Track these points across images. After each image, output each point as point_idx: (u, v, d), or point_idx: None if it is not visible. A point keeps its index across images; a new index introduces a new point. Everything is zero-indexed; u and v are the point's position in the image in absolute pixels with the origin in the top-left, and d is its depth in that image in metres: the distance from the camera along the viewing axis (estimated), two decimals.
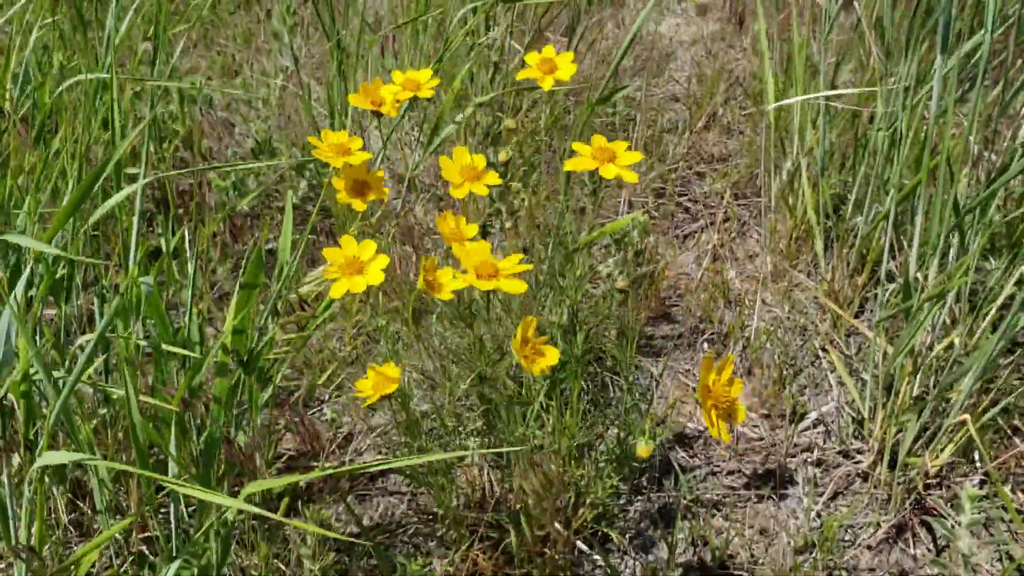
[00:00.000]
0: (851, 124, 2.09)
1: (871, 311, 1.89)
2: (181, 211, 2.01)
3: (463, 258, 1.17)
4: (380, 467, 1.09)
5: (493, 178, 1.29)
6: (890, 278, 1.85)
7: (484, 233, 1.34)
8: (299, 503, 1.46)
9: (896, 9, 1.87)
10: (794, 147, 2.02)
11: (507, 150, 1.37)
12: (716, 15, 2.96)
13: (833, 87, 1.97)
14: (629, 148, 1.25)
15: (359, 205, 1.25)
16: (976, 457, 1.61)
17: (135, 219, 1.47)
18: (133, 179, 1.83)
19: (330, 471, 1.05)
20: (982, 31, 1.71)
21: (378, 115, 1.37)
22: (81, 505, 1.46)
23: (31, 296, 1.44)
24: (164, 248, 1.50)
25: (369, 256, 1.17)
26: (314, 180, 2.11)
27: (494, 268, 1.16)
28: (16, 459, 1.19)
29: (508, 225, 1.36)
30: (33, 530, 1.15)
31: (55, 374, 1.15)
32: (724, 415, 1.17)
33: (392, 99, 1.36)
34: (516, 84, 2.19)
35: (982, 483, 1.60)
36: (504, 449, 1.35)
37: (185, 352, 1.17)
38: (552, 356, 1.16)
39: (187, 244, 1.72)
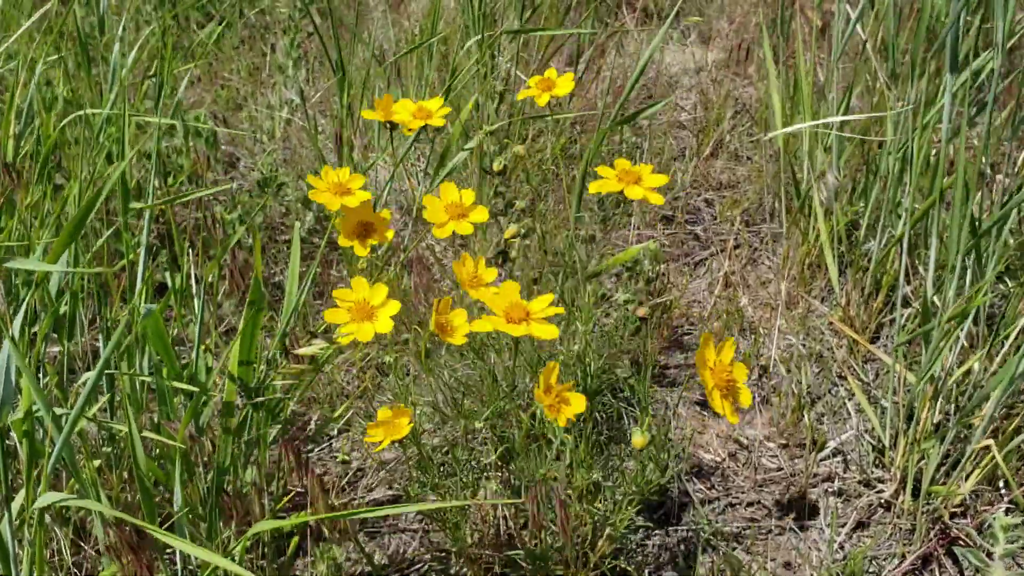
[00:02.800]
0: (860, 148, 2.07)
1: (887, 336, 1.86)
2: (187, 246, 2.00)
3: (489, 301, 1.12)
4: (390, 511, 1.06)
5: (480, 215, 1.23)
6: (905, 303, 1.82)
7: (504, 258, 1.30)
8: (308, 541, 1.42)
9: (901, 34, 1.86)
10: (805, 173, 2.00)
11: (502, 159, 1.35)
12: (720, 43, 2.96)
13: (846, 111, 1.96)
14: (654, 171, 1.23)
15: (360, 250, 1.20)
16: (1002, 484, 1.57)
17: (142, 252, 1.45)
18: (139, 214, 1.81)
19: (335, 515, 1.02)
20: (987, 51, 1.70)
21: (393, 127, 1.35)
22: (84, 546, 1.42)
23: (35, 332, 1.41)
24: (170, 283, 1.48)
25: (380, 301, 1.12)
26: (321, 212, 2.09)
27: (525, 311, 1.11)
28: (19, 499, 1.16)
29: (516, 256, 1.34)
30: (35, 574, 1.12)
31: (57, 411, 1.12)
32: (727, 395, 1.13)
33: (408, 115, 1.35)
34: (522, 112, 2.18)
35: (1008, 511, 1.56)
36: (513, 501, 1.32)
37: (187, 387, 1.14)
38: (578, 403, 1.11)
39: (193, 278, 1.70)
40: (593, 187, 1.22)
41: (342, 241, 1.20)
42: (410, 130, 1.35)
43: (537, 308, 1.12)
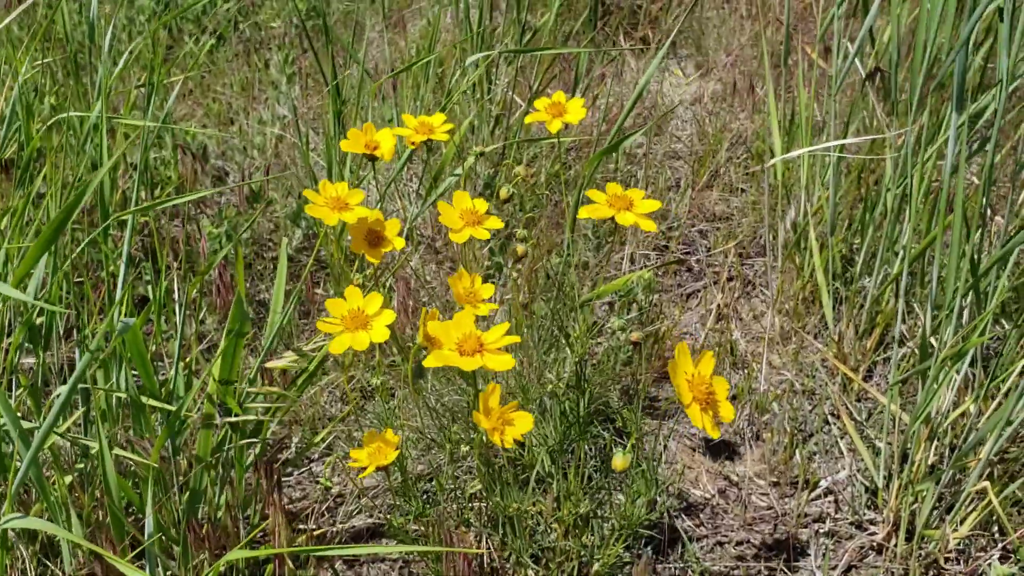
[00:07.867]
0: (856, 184, 2.05)
1: (880, 375, 1.83)
2: (172, 260, 1.95)
3: (442, 335, 1.08)
4: (365, 550, 1.02)
5: (495, 223, 1.23)
6: (901, 342, 1.79)
7: (488, 277, 1.27)
8: (285, 569, 1.37)
9: (900, 69, 1.85)
10: (801, 205, 1.98)
11: (508, 187, 1.32)
12: (718, 75, 2.95)
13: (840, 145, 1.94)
14: (646, 196, 1.20)
15: (373, 257, 1.18)
16: (996, 530, 1.53)
17: (122, 264, 1.41)
18: (121, 225, 1.77)
19: (307, 549, 0.98)
20: (992, 89, 1.68)
21: (372, 159, 1.32)
22: (52, 567, 1.37)
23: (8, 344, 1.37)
24: (151, 296, 1.43)
25: (375, 310, 1.09)
26: (310, 230, 2.06)
27: (478, 343, 1.06)
28: None
29: (514, 276, 1.30)
30: None
31: (27, 425, 1.07)
32: (706, 408, 1.08)
33: (391, 144, 1.31)
34: (518, 136, 2.15)
35: (1003, 558, 1.52)
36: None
37: (163, 405, 1.09)
38: (524, 423, 1.07)
39: (176, 293, 1.66)
40: (583, 212, 1.18)
41: (354, 247, 1.18)
42: (413, 144, 1.32)
43: (492, 338, 1.07)
